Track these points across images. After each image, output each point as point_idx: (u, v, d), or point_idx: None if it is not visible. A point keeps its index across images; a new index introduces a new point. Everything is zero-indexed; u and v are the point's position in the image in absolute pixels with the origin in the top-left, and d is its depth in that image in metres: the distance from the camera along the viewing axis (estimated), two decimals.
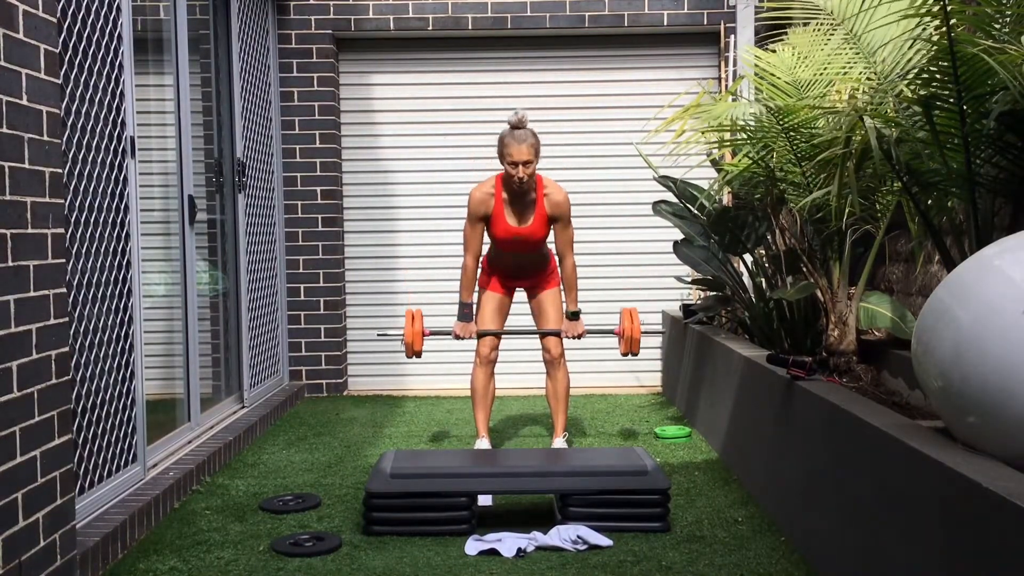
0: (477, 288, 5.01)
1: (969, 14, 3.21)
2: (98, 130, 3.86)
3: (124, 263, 4.04)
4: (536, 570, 3.36)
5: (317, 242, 6.88)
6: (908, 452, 2.54)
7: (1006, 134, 3.23)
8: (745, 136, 4.60)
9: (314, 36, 6.82)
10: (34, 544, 2.94)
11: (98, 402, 3.78)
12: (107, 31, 3.94)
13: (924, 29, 3.57)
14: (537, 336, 5.05)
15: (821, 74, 4.46)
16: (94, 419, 3.74)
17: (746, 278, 5.55)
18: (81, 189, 3.69)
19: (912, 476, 2.51)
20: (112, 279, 3.93)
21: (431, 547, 3.59)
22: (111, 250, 3.94)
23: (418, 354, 4.94)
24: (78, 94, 3.68)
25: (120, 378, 3.98)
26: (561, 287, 5.00)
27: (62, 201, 3.15)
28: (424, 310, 6.11)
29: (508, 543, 3.56)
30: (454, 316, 5.14)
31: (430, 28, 6.84)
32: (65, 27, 3.56)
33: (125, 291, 4.05)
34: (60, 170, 3.14)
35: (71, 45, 3.62)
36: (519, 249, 4.90)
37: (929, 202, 3.65)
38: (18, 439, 2.86)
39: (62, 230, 3.14)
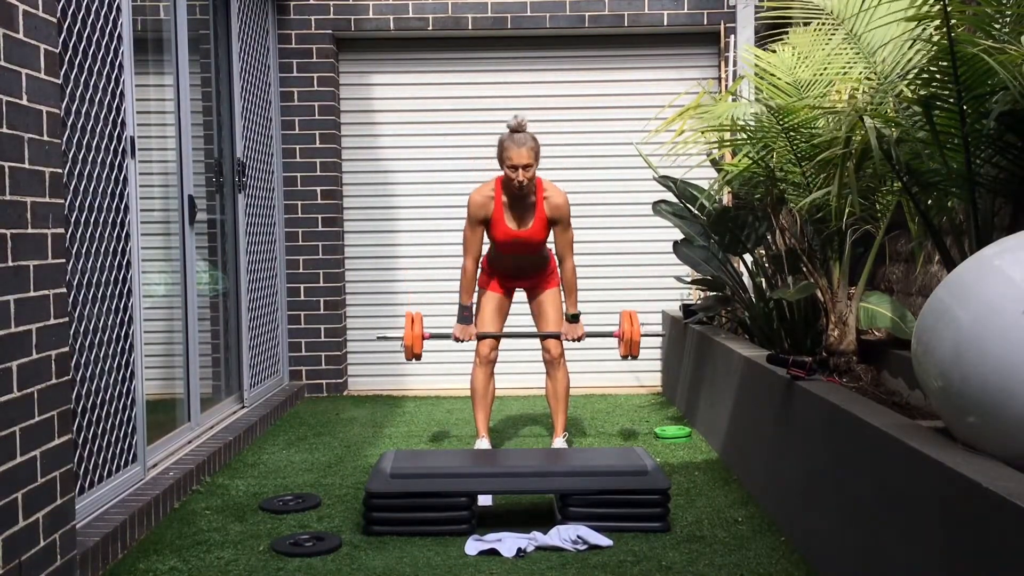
0: (477, 288, 5.01)
1: (969, 14, 3.21)
2: (98, 130, 3.85)
3: (124, 263, 4.04)
4: (536, 570, 3.36)
5: (317, 242, 6.88)
6: (908, 452, 2.54)
7: (1006, 134, 3.23)
8: (745, 136, 4.59)
9: (314, 36, 6.82)
10: (34, 544, 2.94)
11: (98, 402, 3.77)
12: (107, 31, 3.94)
13: (924, 29, 3.57)
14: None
15: (821, 74, 4.46)
16: (94, 419, 3.74)
17: (746, 278, 5.55)
18: (81, 189, 3.69)
19: (912, 476, 2.51)
20: (112, 279, 3.93)
21: (431, 547, 3.59)
22: (111, 250, 3.94)
23: (418, 357, 4.94)
24: (78, 94, 3.68)
25: (120, 378, 3.98)
26: (561, 288, 5.00)
27: (62, 201, 3.15)
28: (424, 310, 6.11)
29: (508, 543, 3.55)
30: (454, 317, 5.14)
31: (430, 28, 6.84)
32: (65, 27, 3.56)
33: (125, 291, 4.04)
34: (60, 170, 3.14)
35: (71, 45, 3.62)
36: (519, 251, 4.90)
37: (929, 202, 3.65)
38: (18, 439, 2.87)
39: (62, 230, 3.14)
